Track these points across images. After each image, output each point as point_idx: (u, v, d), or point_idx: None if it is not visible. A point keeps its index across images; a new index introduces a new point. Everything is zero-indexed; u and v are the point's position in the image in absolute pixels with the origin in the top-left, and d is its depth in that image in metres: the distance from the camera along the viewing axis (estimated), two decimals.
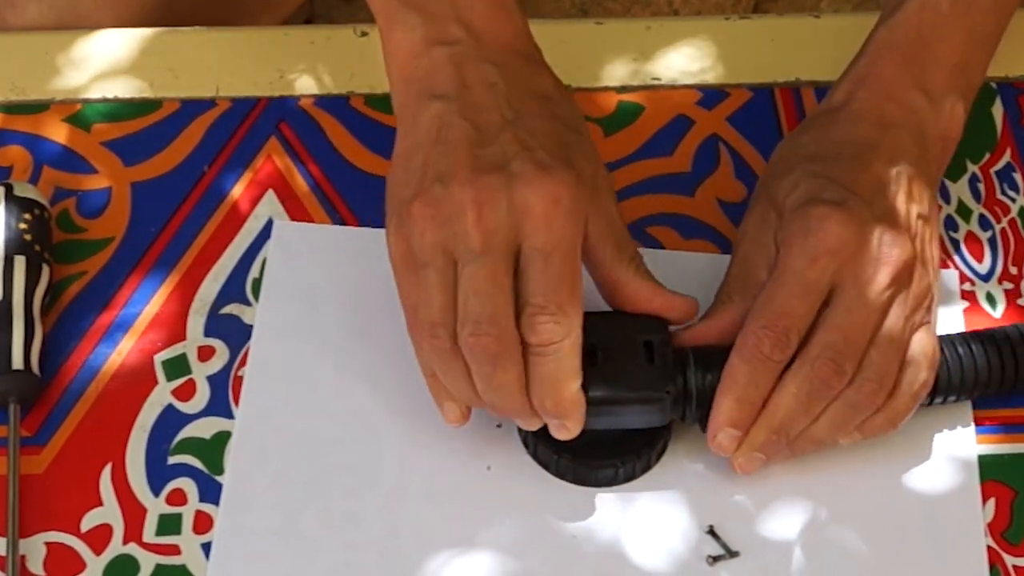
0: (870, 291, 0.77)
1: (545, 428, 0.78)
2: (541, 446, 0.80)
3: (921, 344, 0.78)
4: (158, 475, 0.81)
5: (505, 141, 0.75)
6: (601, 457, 0.80)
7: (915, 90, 0.83)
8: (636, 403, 0.78)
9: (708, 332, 0.79)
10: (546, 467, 0.81)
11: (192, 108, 0.92)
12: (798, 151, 0.83)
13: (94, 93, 0.93)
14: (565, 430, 0.76)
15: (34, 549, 0.79)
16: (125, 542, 0.79)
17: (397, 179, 0.78)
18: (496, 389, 0.75)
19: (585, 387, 0.76)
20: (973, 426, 0.83)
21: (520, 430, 0.81)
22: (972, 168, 0.92)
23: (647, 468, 0.81)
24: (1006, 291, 0.87)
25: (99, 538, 0.79)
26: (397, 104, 0.80)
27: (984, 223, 0.90)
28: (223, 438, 0.82)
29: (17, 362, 0.81)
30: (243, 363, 0.84)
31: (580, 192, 0.75)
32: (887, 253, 0.78)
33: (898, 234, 0.78)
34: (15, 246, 0.84)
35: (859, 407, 0.77)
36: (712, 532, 0.79)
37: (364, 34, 0.96)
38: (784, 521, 0.80)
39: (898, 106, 0.83)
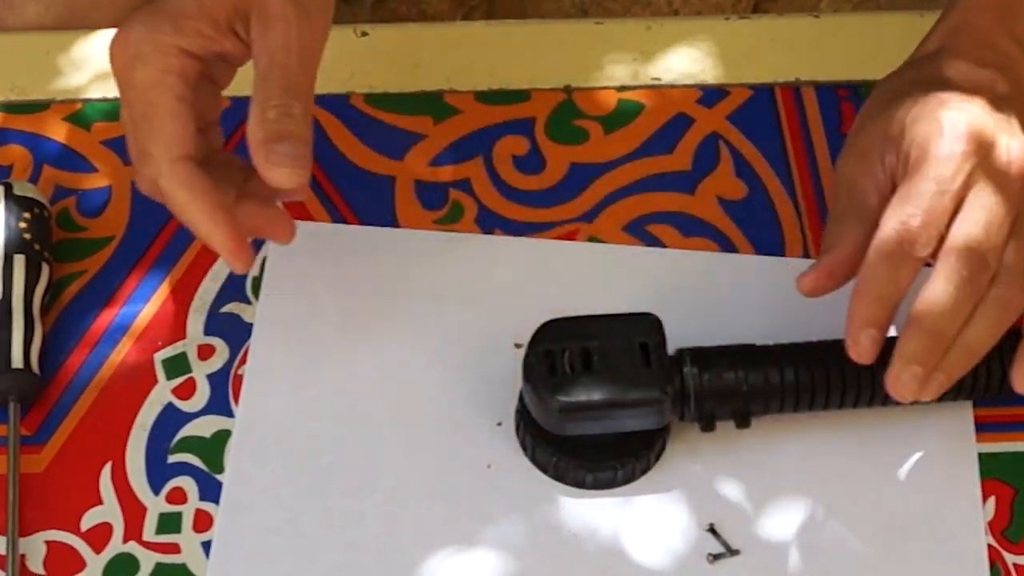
0: (1005, 189, 0.77)
1: (544, 431, 0.79)
2: (539, 449, 0.80)
3: None
4: (158, 474, 0.81)
5: None
6: (599, 459, 0.80)
7: (1007, 38, 0.84)
8: (634, 406, 0.77)
9: (834, 263, 0.79)
10: (544, 470, 0.81)
11: None
12: (903, 84, 0.83)
13: (94, 92, 0.93)
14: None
15: (34, 548, 0.79)
16: (125, 541, 0.79)
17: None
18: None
19: (582, 392, 0.76)
20: (973, 425, 0.83)
21: (518, 431, 0.81)
22: None
23: (646, 470, 0.81)
24: None
25: (99, 537, 0.79)
26: None
27: None
28: (223, 437, 0.82)
29: (17, 361, 0.81)
30: (243, 362, 0.84)
31: (158, 28, 0.78)
32: (1017, 155, 0.78)
33: (1019, 136, 0.79)
34: (15, 245, 0.84)
35: (1008, 304, 0.77)
36: (712, 530, 0.79)
37: (364, 34, 0.96)
38: (784, 520, 0.80)
39: (993, 52, 0.83)
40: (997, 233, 0.76)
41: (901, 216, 0.76)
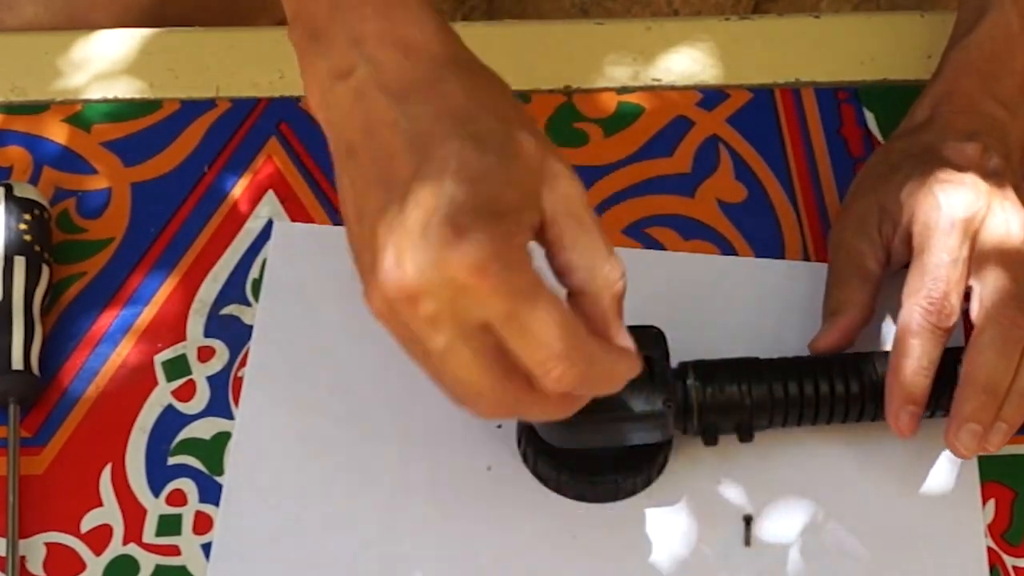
0: (1012, 243, 0.79)
1: (545, 443, 0.79)
2: (541, 462, 0.80)
3: None
4: (158, 476, 0.81)
5: (415, 202, 0.67)
6: (601, 472, 0.80)
7: (993, 101, 0.86)
8: (637, 419, 0.77)
9: (846, 326, 0.82)
10: (546, 483, 0.80)
11: (192, 108, 0.92)
12: (896, 155, 0.86)
13: (94, 93, 0.93)
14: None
15: (34, 549, 0.79)
16: (125, 543, 0.79)
17: (353, 252, 0.72)
18: (537, 417, 0.73)
19: (586, 406, 0.76)
20: None
21: (520, 443, 0.81)
22: None
23: (648, 483, 0.81)
24: None
25: (99, 539, 0.79)
26: (331, 154, 0.73)
27: None
28: (223, 439, 0.82)
29: (17, 362, 0.81)
30: (243, 364, 0.84)
31: (505, 229, 0.67)
32: (1012, 212, 0.81)
33: (1013, 199, 0.82)
34: (15, 246, 0.84)
35: None
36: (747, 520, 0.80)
37: None
38: (784, 522, 0.80)
39: (980, 117, 0.86)
40: (1022, 281, 0.79)
41: (922, 291, 0.78)
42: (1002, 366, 0.77)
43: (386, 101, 0.69)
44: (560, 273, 0.70)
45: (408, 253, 0.66)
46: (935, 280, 0.78)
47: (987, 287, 0.79)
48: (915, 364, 0.78)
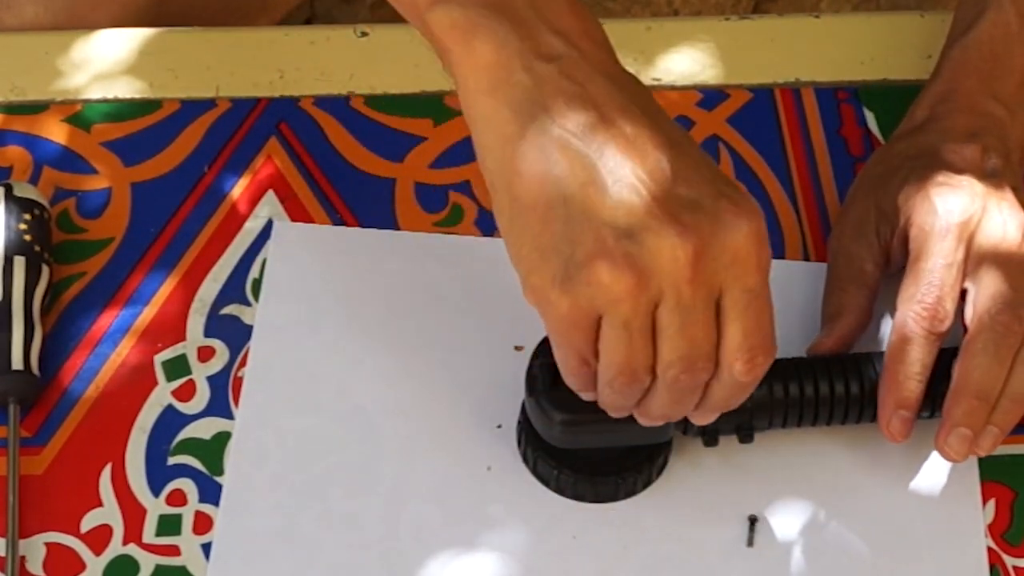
0: (1008, 246, 0.80)
1: (545, 443, 0.79)
2: (541, 462, 0.80)
3: None
4: (158, 476, 0.81)
5: (679, 174, 0.67)
6: (601, 473, 0.80)
7: (992, 100, 0.86)
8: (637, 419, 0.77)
9: (844, 331, 0.82)
10: (546, 483, 0.80)
11: (192, 108, 0.92)
12: (895, 157, 0.86)
13: (94, 93, 0.93)
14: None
15: (34, 550, 0.79)
16: (125, 543, 0.79)
17: (535, 229, 0.68)
18: (684, 407, 0.73)
19: (585, 405, 0.76)
20: None
21: (520, 443, 0.81)
22: None
23: (648, 483, 0.81)
24: None
25: (99, 539, 0.79)
26: (491, 131, 0.69)
27: None
28: (223, 439, 0.82)
29: (17, 362, 0.81)
30: (243, 364, 0.84)
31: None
32: (1009, 214, 0.81)
33: (1012, 200, 0.82)
34: (15, 246, 0.84)
35: None
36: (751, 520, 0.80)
37: (364, 34, 0.96)
38: (784, 522, 0.80)
39: (979, 116, 0.86)
40: (1018, 285, 0.79)
41: (916, 296, 0.79)
42: (994, 371, 0.77)
43: (604, 81, 0.69)
44: None
45: (686, 214, 0.66)
46: (929, 285, 0.79)
47: (981, 291, 0.79)
48: (907, 370, 0.78)
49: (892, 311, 0.80)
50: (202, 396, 0.83)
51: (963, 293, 0.79)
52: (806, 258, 0.88)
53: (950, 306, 0.78)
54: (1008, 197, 0.82)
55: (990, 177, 0.82)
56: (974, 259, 0.79)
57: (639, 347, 0.69)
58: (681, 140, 0.69)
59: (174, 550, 0.79)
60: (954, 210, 0.80)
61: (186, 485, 0.81)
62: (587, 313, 0.68)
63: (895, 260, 0.82)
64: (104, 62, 0.94)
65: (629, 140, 0.67)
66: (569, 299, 0.68)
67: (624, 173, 0.67)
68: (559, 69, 0.68)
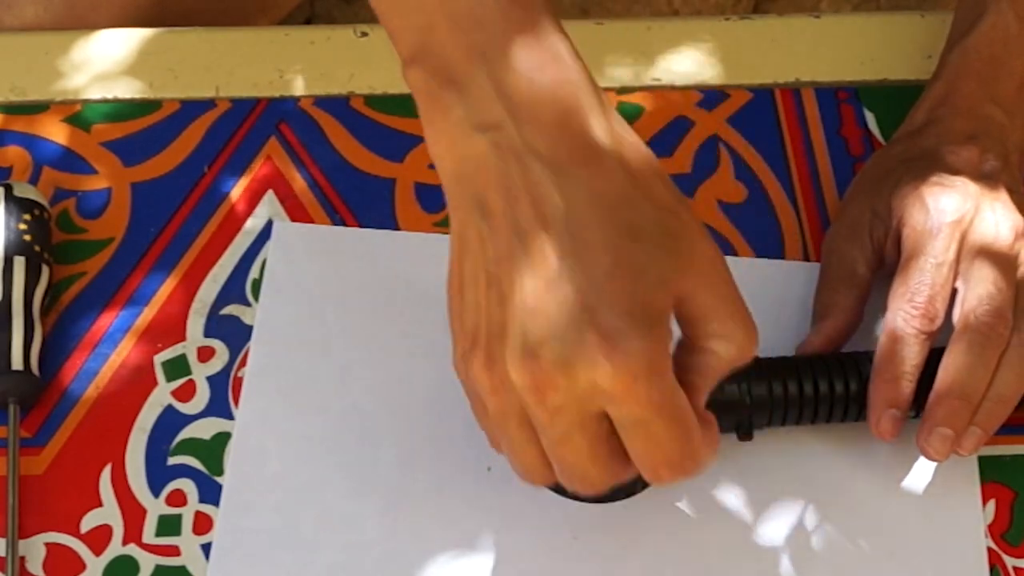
0: (1000, 246, 0.79)
1: None
2: None
3: None
4: (158, 476, 0.81)
5: (561, 293, 0.64)
6: None
7: (992, 103, 0.86)
8: None
9: (832, 331, 0.82)
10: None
11: (192, 108, 0.92)
12: (891, 160, 0.86)
13: (94, 93, 0.93)
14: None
15: (34, 550, 0.79)
16: (125, 543, 0.79)
17: (455, 307, 0.69)
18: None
19: None
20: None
21: None
22: None
23: (648, 483, 0.80)
24: None
25: (99, 539, 0.79)
26: (449, 203, 0.68)
27: None
28: (223, 439, 0.82)
29: (17, 363, 0.81)
30: (243, 364, 0.84)
31: (654, 338, 0.64)
32: (1003, 214, 0.81)
33: (1006, 201, 0.82)
34: (15, 246, 0.84)
35: None
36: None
37: (364, 34, 0.96)
38: (784, 522, 0.80)
39: (979, 120, 0.86)
40: (1007, 286, 0.79)
41: (906, 295, 0.79)
42: (977, 372, 0.77)
43: (535, 166, 0.64)
44: (689, 329, 0.68)
45: (549, 345, 0.63)
46: (919, 284, 0.79)
47: (969, 291, 0.79)
48: (897, 368, 0.78)
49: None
50: (202, 396, 0.83)
51: (955, 292, 0.79)
52: (806, 258, 0.88)
53: (940, 305, 0.78)
54: (1002, 198, 0.82)
55: (985, 178, 0.82)
56: (965, 258, 0.79)
57: (523, 447, 0.69)
58: (594, 243, 0.64)
59: (174, 550, 0.79)
60: (946, 209, 0.80)
61: (186, 485, 0.81)
62: (475, 393, 0.69)
63: (889, 261, 0.82)
64: (104, 62, 0.94)
65: (525, 234, 0.64)
66: (464, 376, 0.69)
67: (492, 262, 0.65)
68: (492, 142, 0.65)
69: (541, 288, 0.64)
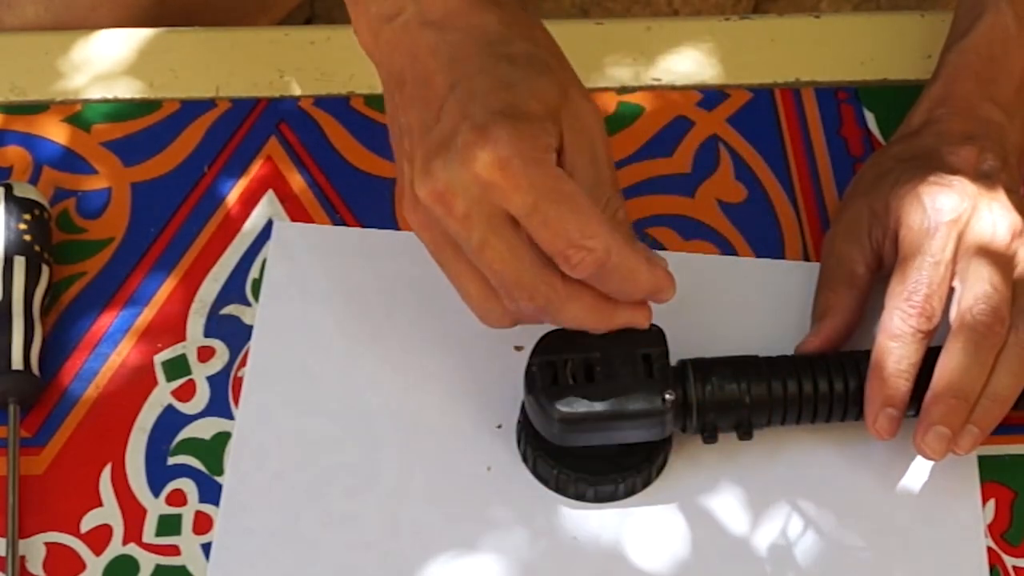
0: (997, 245, 0.79)
1: (545, 443, 0.79)
2: (541, 462, 0.80)
3: None
4: (158, 476, 0.81)
5: (447, 112, 0.74)
6: (601, 473, 0.79)
7: (990, 104, 0.86)
8: (636, 417, 0.77)
9: (830, 331, 0.82)
10: (545, 483, 0.80)
11: (192, 108, 0.92)
12: (890, 160, 0.86)
13: (94, 93, 0.93)
14: (666, 296, 0.77)
15: (34, 550, 0.79)
16: (125, 543, 0.79)
17: (398, 180, 0.78)
18: (571, 318, 0.76)
19: (584, 402, 0.76)
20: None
21: (520, 443, 0.81)
22: None
23: (647, 483, 0.81)
24: None
25: (99, 539, 0.79)
26: (383, 89, 0.80)
27: None
28: (223, 439, 0.82)
29: (17, 363, 0.81)
30: (243, 364, 0.84)
31: (527, 131, 0.72)
32: (1000, 214, 0.81)
33: (1004, 201, 0.82)
34: (15, 246, 0.84)
35: None
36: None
37: None
38: (784, 522, 0.80)
39: (977, 120, 0.86)
40: (1004, 285, 0.78)
41: (903, 294, 0.79)
42: (973, 371, 0.77)
43: (428, 31, 0.75)
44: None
45: (437, 159, 0.72)
46: (916, 283, 0.79)
47: (966, 290, 0.79)
48: (894, 367, 0.78)
49: None
50: (202, 396, 0.83)
51: (952, 291, 0.79)
52: (806, 258, 0.88)
53: (937, 304, 0.78)
54: (1000, 197, 0.82)
55: (983, 178, 0.82)
56: (963, 258, 0.79)
57: (465, 278, 0.76)
58: (473, 71, 0.74)
59: (174, 550, 0.79)
60: (943, 208, 0.80)
61: (186, 485, 0.81)
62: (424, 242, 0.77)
63: (887, 262, 0.82)
64: (104, 62, 0.94)
65: (423, 81, 0.75)
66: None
67: (410, 118, 0.75)
68: (396, 27, 0.77)
69: (431, 118, 0.74)
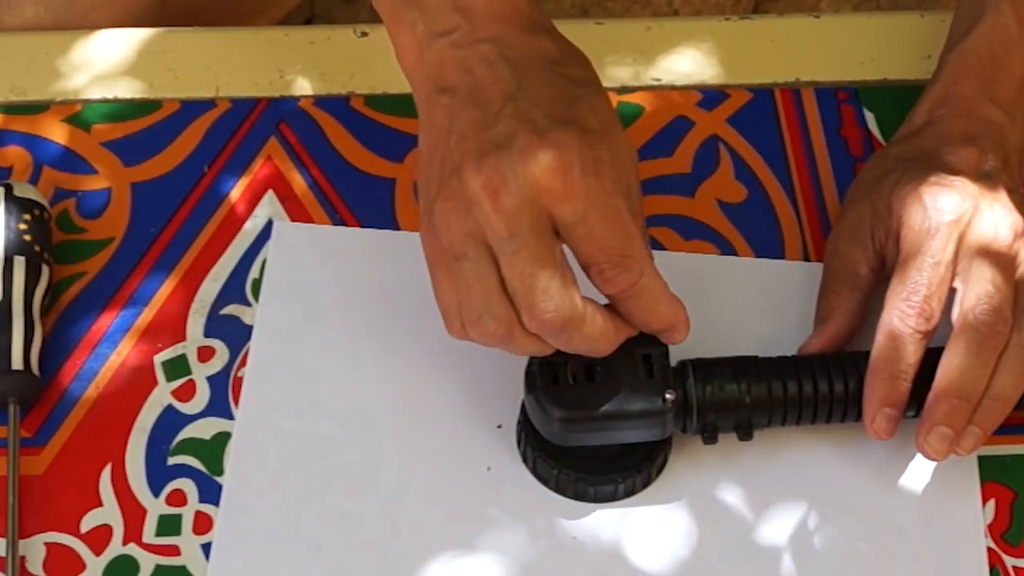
0: (999, 245, 0.79)
1: (545, 443, 0.79)
2: (541, 462, 0.80)
3: None
4: (158, 476, 0.81)
5: (507, 116, 0.74)
6: (601, 473, 0.80)
7: (991, 104, 0.86)
8: (636, 417, 0.77)
9: (833, 333, 0.82)
10: (545, 483, 0.80)
11: (192, 108, 0.92)
12: (891, 160, 0.86)
13: (94, 93, 0.93)
14: (679, 335, 0.78)
15: (34, 550, 0.79)
16: (125, 543, 0.79)
17: (422, 180, 0.77)
18: (580, 344, 0.75)
19: (584, 402, 0.76)
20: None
21: (520, 443, 0.81)
22: None
23: (647, 483, 0.81)
24: None
25: (99, 539, 0.79)
26: (417, 105, 0.80)
27: None
28: (223, 439, 0.82)
29: (17, 363, 0.81)
30: (243, 364, 0.84)
31: (587, 142, 0.74)
32: (1002, 214, 0.81)
33: (1005, 201, 0.82)
34: (15, 246, 0.84)
35: None
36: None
37: (364, 34, 0.96)
38: (784, 522, 0.80)
39: (978, 121, 0.86)
40: (1006, 285, 0.79)
41: (902, 294, 0.79)
42: (976, 372, 0.77)
43: (485, 46, 0.76)
44: None
45: (491, 156, 0.73)
46: (916, 284, 0.79)
47: (968, 290, 0.79)
48: (893, 368, 0.78)
49: None
50: (202, 396, 0.83)
51: (954, 292, 0.79)
52: (806, 258, 0.88)
53: (937, 304, 0.78)
54: (1001, 198, 0.82)
55: (985, 178, 0.82)
56: (964, 258, 0.79)
57: (474, 283, 0.74)
58: (536, 82, 0.75)
59: (174, 550, 0.79)
60: (944, 208, 0.80)
61: (186, 485, 0.81)
62: (438, 249, 0.75)
63: (890, 262, 0.82)
64: (104, 62, 0.94)
65: (478, 88, 0.76)
66: (427, 238, 0.76)
67: (463, 121, 0.75)
68: (449, 43, 0.77)
69: (491, 119, 0.74)
